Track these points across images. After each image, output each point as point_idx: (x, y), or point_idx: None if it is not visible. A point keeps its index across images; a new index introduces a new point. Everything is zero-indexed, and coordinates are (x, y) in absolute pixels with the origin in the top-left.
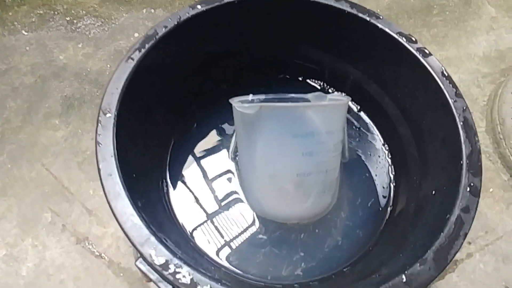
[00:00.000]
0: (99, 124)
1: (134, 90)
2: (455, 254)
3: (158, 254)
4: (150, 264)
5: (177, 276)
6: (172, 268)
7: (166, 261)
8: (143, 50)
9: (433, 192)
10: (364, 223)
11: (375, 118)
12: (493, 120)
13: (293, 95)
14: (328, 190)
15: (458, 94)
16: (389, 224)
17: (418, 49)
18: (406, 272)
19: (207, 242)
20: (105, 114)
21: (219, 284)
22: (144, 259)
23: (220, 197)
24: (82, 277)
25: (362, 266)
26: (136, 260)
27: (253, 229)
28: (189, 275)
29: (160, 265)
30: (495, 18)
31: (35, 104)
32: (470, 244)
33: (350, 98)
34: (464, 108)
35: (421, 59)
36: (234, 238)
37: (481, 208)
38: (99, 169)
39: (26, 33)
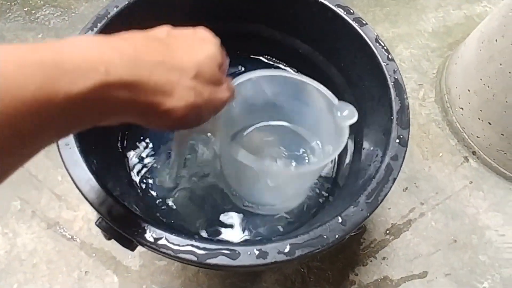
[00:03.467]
0: None
1: None
2: (385, 196)
3: (115, 212)
4: (109, 222)
5: (135, 231)
6: (128, 223)
7: (123, 217)
8: (95, 29)
9: (372, 148)
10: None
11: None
12: (441, 91)
13: None
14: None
15: (390, 58)
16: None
17: (354, 19)
18: (341, 214)
19: (170, 209)
20: None
21: (173, 234)
22: (102, 218)
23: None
24: (55, 260)
25: (316, 219)
26: (96, 221)
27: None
28: (147, 229)
29: (117, 222)
30: None
31: None
32: (423, 205)
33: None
34: (395, 70)
35: (358, 28)
36: (201, 210)
37: (432, 172)
38: (57, 142)
39: None
